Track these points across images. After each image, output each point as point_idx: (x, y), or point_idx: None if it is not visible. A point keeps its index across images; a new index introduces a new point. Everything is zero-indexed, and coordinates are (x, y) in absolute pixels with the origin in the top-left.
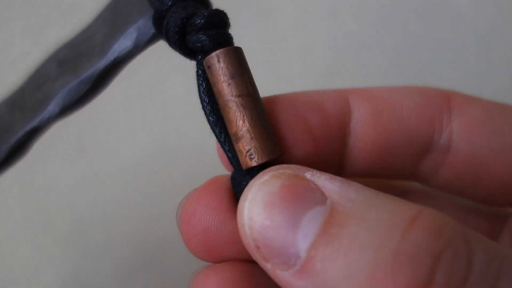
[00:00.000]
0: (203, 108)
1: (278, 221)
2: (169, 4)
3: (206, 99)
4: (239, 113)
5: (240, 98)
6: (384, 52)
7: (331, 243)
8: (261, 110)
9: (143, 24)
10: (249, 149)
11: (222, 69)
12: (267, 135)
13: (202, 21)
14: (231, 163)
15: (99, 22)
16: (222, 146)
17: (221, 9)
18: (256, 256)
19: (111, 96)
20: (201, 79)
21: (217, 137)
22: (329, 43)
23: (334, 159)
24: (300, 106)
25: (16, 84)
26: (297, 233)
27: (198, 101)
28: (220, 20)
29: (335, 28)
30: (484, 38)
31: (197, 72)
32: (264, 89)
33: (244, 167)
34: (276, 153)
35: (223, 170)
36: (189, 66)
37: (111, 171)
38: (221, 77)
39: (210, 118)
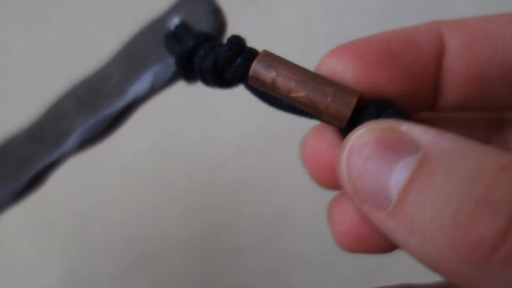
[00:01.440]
0: (282, 110)
1: (372, 169)
2: (191, 46)
3: (278, 102)
4: (303, 94)
5: (296, 83)
6: None
7: (420, 189)
8: (316, 78)
9: (159, 69)
10: (333, 115)
11: (267, 75)
12: (335, 92)
13: (230, 53)
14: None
15: (116, 63)
16: (319, 120)
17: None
18: (355, 200)
19: None
20: (262, 94)
21: (311, 117)
22: (329, 43)
23: (428, 95)
24: (395, 44)
25: (34, 115)
26: (390, 179)
27: (198, 101)
28: (242, 45)
29: (335, 28)
30: None
31: (253, 93)
32: None
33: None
34: (352, 97)
35: (222, 170)
36: None
37: (111, 171)
38: (271, 80)
39: (292, 112)
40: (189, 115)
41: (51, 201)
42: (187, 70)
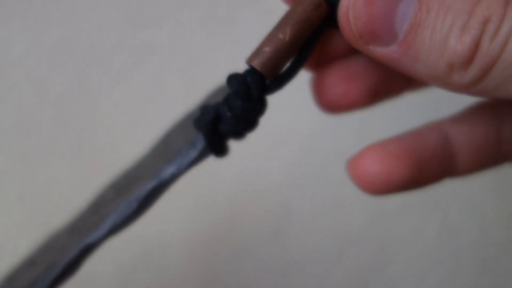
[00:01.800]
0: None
1: (377, 12)
2: (214, 113)
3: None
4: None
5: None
6: None
7: (420, 24)
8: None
9: (186, 150)
10: (312, 12)
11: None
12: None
13: (243, 100)
14: None
15: (152, 154)
16: None
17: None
18: (359, 43)
19: (111, 95)
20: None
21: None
22: None
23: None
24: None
25: (77, 210)
26: (396, 19)
27: (197, 101)
28: (243, 82)
29: None
30: None
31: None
32: None
33: None
34: None
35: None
36: (189, 66)
37: (111, 171)
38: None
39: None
40: None
41: (51, 202)
42: (216, 140)
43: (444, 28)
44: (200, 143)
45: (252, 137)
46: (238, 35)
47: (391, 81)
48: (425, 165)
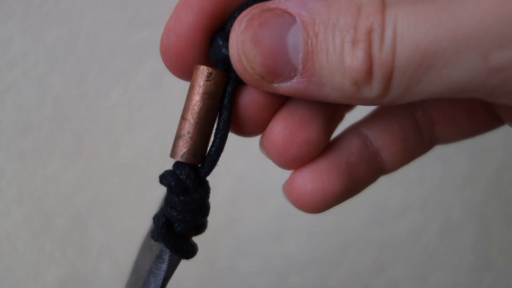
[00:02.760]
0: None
1: (269, 50)
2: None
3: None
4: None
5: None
6: None
7: (313, 50)
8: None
9: (155, 266)
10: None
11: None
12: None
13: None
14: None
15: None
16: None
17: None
18: (263, 84)
19: (109, 95)
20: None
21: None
22: None
23: None
24: None
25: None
26: (288, 51)
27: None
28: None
29: None
30: None
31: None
32: None
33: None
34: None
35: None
36: None
37: (109, 171)
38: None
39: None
40: None
41: (50, 202)
42: (177, 243)
43: (336, 48)
44: (165, 253)
45: (252, 137)
46: None
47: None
48: (355, 171)
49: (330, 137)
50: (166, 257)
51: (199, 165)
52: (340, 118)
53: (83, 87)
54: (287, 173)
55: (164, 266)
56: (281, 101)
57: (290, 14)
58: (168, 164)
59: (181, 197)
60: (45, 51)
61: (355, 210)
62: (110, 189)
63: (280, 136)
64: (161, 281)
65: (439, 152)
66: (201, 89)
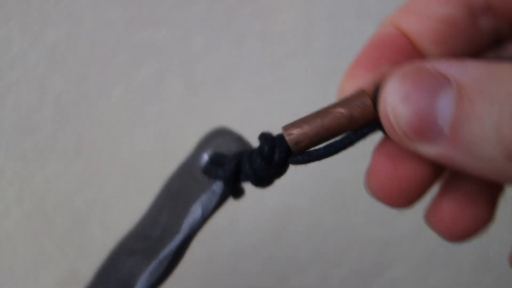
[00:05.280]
0: (332, 154)
1: (418, 109)
2: (235, 164)
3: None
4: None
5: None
6: None
7: (466, 116)
8: (325, 110)
9: (206, 197)
10: (359, 114)
11: (301, 144)
12: (345, 103)
13: (266, 161)
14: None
15: (157, 208)
16: None
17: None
18: (405, 142)
19: (109, 95)
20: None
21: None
22: (329, 43)
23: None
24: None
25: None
26: (437, 114)
27: (197, 100)
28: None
29: (336, 27)
30: None
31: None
32: (263, 88)
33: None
34: (360, 94)
35: None
36: (188, 65)
37: (109, 171)
38: (305, 144)
39: (339, 148)
40: (189, 114)
41: (50, 202)
42: (235, 186)
43: (493, 118)
44: (218, 189)
45: (252, 136)
46: (238, 34)
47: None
48: None
49: (495, 210)
50: (220, 192)
51: (294, 153)
52: (501, 190)
53: (84, 87)
54: (287, 173)
55: (216, 200)
56: (431, 173)
57: (445, 76)
58: (168, 164)
59: (265, 164)
60: (45, 51)
61: (355, 210)
62: (110, 189)
63: (448, 213)
64: (210, 211)
65: None
66: (349, 107)
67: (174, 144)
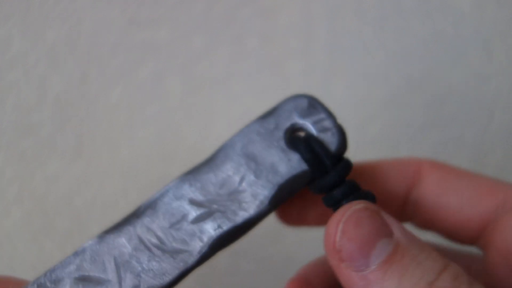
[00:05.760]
0: None
1: (361, 239)
2: (328, 168)
3: None
4: None
5: None
6: (385, 52)
7: (393, 266)
8: None
9: (287, 170)
10: None
11: None
12: None
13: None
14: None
15: (230, 163)
16: None
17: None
18: (334, 258)
19: (109, 95)
20: None
21: None
22: (329, 43)
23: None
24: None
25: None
26: (372, 251)
27: (198, 99)
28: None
29: (336, 27)
30: (486, 37)
31: None
32: (263, 88)
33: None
34: None
35: None
36: (189, 66)
37: (109, 171)
38: None
39: None
40: (188, 113)
41: (50, 202)
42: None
43: (412, 278)
44: (299, 165)
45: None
46: (238, 34)
47: None
48: None
49: None
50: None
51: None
52: None
53: (83, 87)
54: None
55: (295, 170)
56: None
57: (391, 231)
58: (167, 164)
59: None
60: (45, 51)
61: None
62: (110, 189)
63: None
64: (296, 187)
65: (439, 152)
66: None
67: (173, 144)
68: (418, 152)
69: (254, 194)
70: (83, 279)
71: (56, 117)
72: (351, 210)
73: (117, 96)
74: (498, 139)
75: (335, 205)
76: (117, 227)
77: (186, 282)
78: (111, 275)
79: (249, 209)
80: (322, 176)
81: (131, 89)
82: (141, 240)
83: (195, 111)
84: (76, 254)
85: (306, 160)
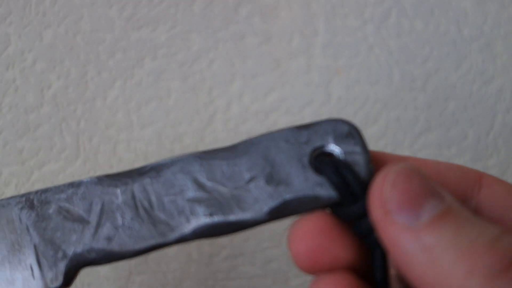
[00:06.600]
0: None
1: (412, 192)
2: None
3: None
4: None
5: None
6: (387, 52)
7: (448, 222)
8: None
9: (303, 190)
10: None
11: None
12: None
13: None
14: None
15: (248, 162)
16: None
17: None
18: (380, 211)
19: (108, 95)
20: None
21: None
22: (330, 42)
23: None
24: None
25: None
26: (425, 204)
27: (198, 98)
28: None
29: (337, 26)
30: (490, 38)
31: None
32: (263, 88)
33: None
34: None
35: None
36: (188, 66)
37: (107, 171)
38: None
39: None
40: (188, 113)
41: None
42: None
43: (470, 235)
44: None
45: (252, 135)
46: (237, 34)
47: None
48: None
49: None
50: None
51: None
52: None
53: (81, 86)
54: None
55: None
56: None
57: (442, 194)
58: None
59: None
60: (42, 50)
61: None
62: None
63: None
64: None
65: (441, 153)
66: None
67: (173, 144)
68: (420, 153)
69: (257, 198)
70: (67, 211)
71: (53, 116)
72: (402, 165)
73: (115, 96)
74: (502, 140)
75: (368, 232)
76: (118, 176)
77: (186, 283)
78: (92, 217)
79: (246, 211)
80: (350, 203)
81: (129, 88)
82: (133, 197)
83: (194, 110)
84: (71, 185)
85: (334, 183)
